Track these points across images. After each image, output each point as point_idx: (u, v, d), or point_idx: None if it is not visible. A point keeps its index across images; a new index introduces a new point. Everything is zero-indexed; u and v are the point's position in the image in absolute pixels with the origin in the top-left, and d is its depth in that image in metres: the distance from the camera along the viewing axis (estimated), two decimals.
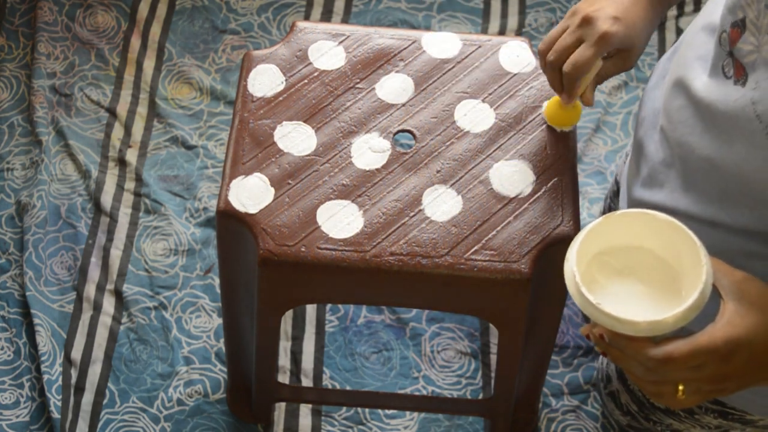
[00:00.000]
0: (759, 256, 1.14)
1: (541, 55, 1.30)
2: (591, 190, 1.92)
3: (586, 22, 1.26)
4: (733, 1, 1.10)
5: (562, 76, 1.29)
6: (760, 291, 1.05)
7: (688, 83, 1.17)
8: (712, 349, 1.02)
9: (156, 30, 2.10)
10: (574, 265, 1.07)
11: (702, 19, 1.22)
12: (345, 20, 2.11)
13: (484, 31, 2.10)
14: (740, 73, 1.08)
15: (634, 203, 1.31)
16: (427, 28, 2.10)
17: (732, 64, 1.10)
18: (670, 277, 1.10)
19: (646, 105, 1.34)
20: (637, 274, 1.11)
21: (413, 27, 2.10)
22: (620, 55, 1.30)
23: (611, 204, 1.65)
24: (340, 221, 1.34)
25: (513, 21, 2.11)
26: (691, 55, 1.20)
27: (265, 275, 1.34)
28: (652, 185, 1.26)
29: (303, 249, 1.31)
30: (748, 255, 1.15)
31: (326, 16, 2.12)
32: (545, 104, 1.40)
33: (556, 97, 1.37)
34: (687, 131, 1.17)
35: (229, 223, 1.35)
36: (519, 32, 2.09)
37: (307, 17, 2.12)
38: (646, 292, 1.10)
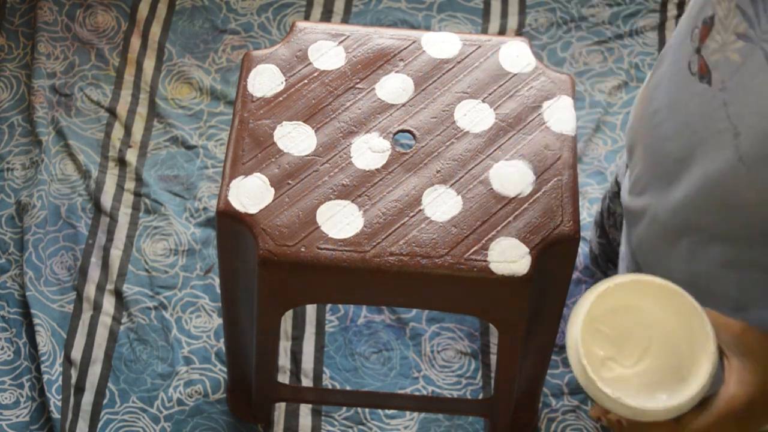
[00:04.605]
0: (733, 265, 1.12)
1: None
2: (591, 190, 1.92)
3: None
4: None
5: None
6: (760, 340, 1.01)
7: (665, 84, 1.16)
8: (732, 413, 1.00)
9: (156, 30, 2.10)
10: (583, 357, 1.04)
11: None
12: (345, 20, 2.11)
13: (484, 31, 2.10)
14: (704, 71, 1.06)
15: (625, 210, 1.30)
16: (427, 28, 2.10)
17: (697, 61, 1.07)
18: (665, 339, 1.07)
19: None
20: (632, 340, 1.08)
21: (413, 27, 2.10)
22: None
23: (610, 204, 1.65)
24: (340, 221, 1.34)
25: (513, 21, 2.11)
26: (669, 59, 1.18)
27: (264, 275, 1.34)
28: (638, 191, 1.25)
29: (303, 249, 1.31)
30: (724, 264, 1.12)
31: (326, 16, 2.12)
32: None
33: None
34: (661, 134, 1.16)
35: (229, 223, 1.35)
36: (519, 32, 2.09)
37: (307, 17, 2.12)
38: (646, 361, 1.08)
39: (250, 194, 1.35)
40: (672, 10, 2.11)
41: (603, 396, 1.03)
